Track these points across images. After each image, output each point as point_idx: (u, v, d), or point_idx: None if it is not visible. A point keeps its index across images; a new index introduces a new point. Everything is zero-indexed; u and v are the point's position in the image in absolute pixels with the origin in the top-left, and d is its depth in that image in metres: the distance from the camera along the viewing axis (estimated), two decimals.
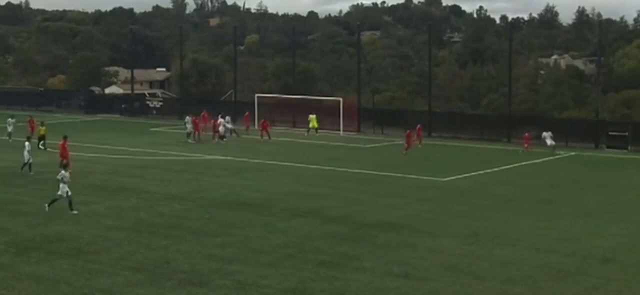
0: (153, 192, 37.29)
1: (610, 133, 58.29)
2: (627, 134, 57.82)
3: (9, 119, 57.33)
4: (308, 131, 64.70)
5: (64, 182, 32.03)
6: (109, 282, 22.72)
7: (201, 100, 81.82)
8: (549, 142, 54.79)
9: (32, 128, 55.35)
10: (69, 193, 31.97)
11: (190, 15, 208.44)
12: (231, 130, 61.37)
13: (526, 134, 55.58)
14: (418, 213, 33.05)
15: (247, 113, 67.32)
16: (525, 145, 54.59)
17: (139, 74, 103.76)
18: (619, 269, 24.49)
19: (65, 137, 43.21)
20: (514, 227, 30.37)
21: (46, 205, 32.24)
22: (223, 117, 60.44)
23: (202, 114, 64.84)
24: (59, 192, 31.99)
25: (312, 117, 65.60)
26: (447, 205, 34.96)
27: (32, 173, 41.18)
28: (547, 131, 55.85)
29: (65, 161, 39.27)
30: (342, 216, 32.02)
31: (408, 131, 55.07)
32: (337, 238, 28.08)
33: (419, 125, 58.52)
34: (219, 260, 24.92)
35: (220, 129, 59.22)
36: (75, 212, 31.75)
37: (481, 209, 34.15)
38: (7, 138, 55.86)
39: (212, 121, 61.21)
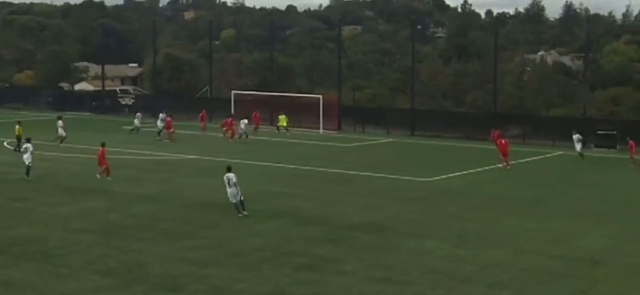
0: (124, 192, 36.44)
1: (598, 131, 57.62)
2: (615, 132, 57.03)
3: None
4: (278, 130, 64.13)
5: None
6: (78, 287, 22.02)
7: (175, 97, 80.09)
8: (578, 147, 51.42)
9: None
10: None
11: (163, 9, 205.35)
12: (136, 128, 61.50)
13: (495, 132, 53.14)
14: (401, 214, 32.50)
15: (202, 111, 66.79)
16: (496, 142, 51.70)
17: (110, 69, 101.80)
18: (607, 272, 24.09)
19: (103, 144, 41.19)
20: (500, 228, 29.93)
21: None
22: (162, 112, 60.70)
23: (201, 114, 65.61)
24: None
25: (282, 117, 64.90)
26: (430, 206, 34.44)
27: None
28: (575, 134, 52.25)
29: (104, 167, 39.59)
30: (321, 217, 31.41)
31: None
32: (315, 240, 27.45)
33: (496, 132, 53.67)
34: (193, 264, 24.27)
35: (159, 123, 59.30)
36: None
37: (466, 210, 33.61)
38: None
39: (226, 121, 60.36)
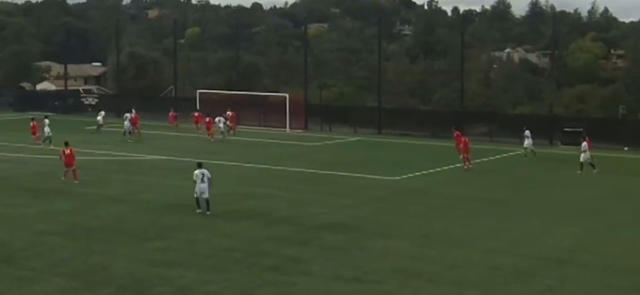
0: (89, 193, 35.92)
1: (565, 129, 57.64)
2: (582, 130, 56.91)
3: None
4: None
5: None
6: (42, 291, 21.72)
7: (140, 96, 79.25)
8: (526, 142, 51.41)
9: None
10: None
11: (127, 7, 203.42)
12: (99, 126, 61.36)
13: (456, 131, 52.38)
14: (368, 214, 32.34)
15: (171, 111, 67.10)
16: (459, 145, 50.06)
17: (73, 69, 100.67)
18: (574, 270, 24.15)
19: (66, 143, 40.21)
20: (467, 227, 29.86)
21: None
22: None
23: (171, 113, 65.82)
24: None
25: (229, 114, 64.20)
26: (398, 206, 34.31)
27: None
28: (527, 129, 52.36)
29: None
30: (288, 218, 31.27)
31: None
32: (283, 241, 27.29)
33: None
34: (160, 265, 23.98)
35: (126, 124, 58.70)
36: None
37: (433, 209, 33.63)
38: None
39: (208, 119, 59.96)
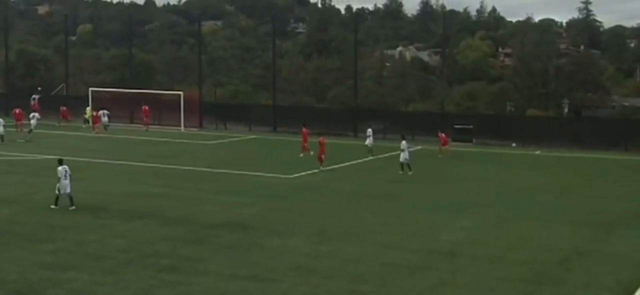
0: None
1: (456, 126, 58.69)
2: (472, 126, 58.32)
3: None
4: (84, 122, 64.88)
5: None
6: None
7: (30, 94, 77.12)
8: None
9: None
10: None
11: (16, 2, 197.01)
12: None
13: (441, 134, 52.55)
14: (264, 212, 32.35)
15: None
16: (442, 146, 51.60)
17: None
18: (465, 263, 24.59)
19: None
20: (362, 223, 30.18)
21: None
22: None
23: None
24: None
25: (88, 108, 65.36)
26: (293, 203, 34.43)
27: None
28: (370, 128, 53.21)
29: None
30: (183, 217, 30.93)
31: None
32: (179, 240, 26.95)
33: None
34: (51, 268, 23.35)
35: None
36: None
37: (329, 205, 33.82)
38: None
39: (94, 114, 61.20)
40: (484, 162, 48.91)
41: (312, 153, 46.72)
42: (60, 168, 31.95)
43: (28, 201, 33.75)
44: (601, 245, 27.35)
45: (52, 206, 31.61)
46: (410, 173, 42.49)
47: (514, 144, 56.75)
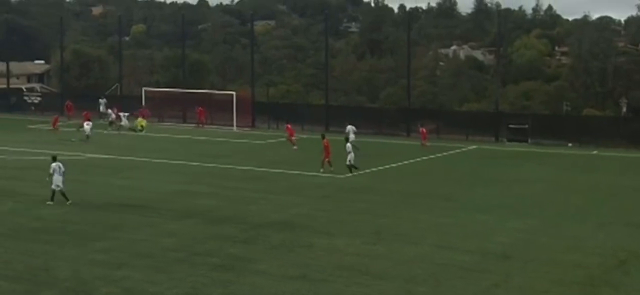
0: (31, 194, 35.10)
1: (511, 126, 58.04)
2: (527, 126, 57.58)
3: None
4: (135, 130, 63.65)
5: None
6: None
7: (84, 94, 78.04)
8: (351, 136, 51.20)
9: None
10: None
11: (71, 4, 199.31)
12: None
13: (422, 129, 54.00)
14: (315, 211, 32.17)
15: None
16: (423, 140, 53.15)
17: (15, 67, 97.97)
18: (519, 265, 24.26)
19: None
20: (416, 224, 29.94)
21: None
22: None
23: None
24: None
25: (139, 119, 63.55)
26: (345, 203, 34.18)
27: None
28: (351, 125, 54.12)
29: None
30: (233, 216, 30.89)
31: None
32: (228, 239, 26.94)
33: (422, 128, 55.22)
34: (104, 266, 23.49)
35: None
36: None
37: (381, 206, 33.52)
38: None
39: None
40: (539, 162, 48.04)
41: (295, 148, 49.52)
42: (54, 164, 32.84)
43: (80, 200, 33.78)
44: None
45: (48, 202, 32.29)
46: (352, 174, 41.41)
47: (570, 144, 55.77)
